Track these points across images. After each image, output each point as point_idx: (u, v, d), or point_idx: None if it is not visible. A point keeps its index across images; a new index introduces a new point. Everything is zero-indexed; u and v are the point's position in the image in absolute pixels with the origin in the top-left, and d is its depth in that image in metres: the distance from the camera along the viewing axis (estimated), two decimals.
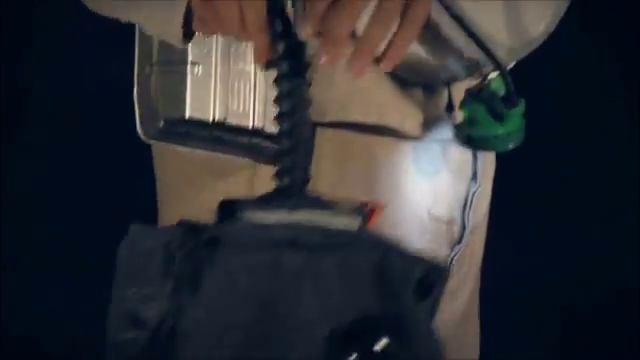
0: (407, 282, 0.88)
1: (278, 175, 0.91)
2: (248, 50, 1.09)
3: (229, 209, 0.89)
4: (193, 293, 0.85)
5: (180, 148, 1.14)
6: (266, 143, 1.10)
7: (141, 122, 1.12)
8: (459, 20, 0.98)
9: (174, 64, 1.14)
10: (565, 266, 1.93)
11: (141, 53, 1.11)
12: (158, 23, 1.01)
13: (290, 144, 0.91)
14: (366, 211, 0.91)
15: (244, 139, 1.12)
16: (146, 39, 1.11)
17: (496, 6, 1.04)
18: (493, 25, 1.03)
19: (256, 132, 1.11)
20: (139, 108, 1.12)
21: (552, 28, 1.06)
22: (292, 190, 0.91)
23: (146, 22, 1.04)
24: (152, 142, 1.15)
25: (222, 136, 1.13)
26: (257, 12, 0.90)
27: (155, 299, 0.85)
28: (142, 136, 1.13)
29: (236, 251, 0.86)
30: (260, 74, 1.09)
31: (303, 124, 0.91)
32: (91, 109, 2.00)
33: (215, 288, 0.85)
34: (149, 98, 1.13)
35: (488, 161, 1.19)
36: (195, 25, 0.96)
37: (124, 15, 1.04)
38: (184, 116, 1.15)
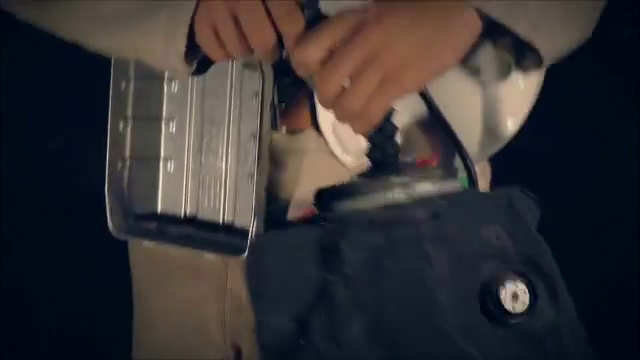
0: (534, 220, 0.92)
1: (370, 154, 0.94)
2: (220, 145, 1.10)
3: (330, 194, 0.92)
4: (344, 282, 0.87)
5: (151, 244, 1.13)
6: (236, 239, 1.09)
7: (112, 217, 1.11)
8: (437, 115, 0.99)
9: (146, 159, 1.13)
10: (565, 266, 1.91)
11: (113, 148, 1.11)
12: (156, 52, 0.98)
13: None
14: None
15: (215, 235, 1.11)
16: (118, 134, 1.11)
17: (474, 106, 1.05)
18: (470, 124, 1.04)
19: (227, 227, 1.11)
20: (110, 203, 1.11)
21: (519, 126, 1.07)
22: (388, 164, 0.94)
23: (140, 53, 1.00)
24: (123, 238, 1.14)
25: (193, 232, 1.13)
26: (253, 12, 0.90)
27: (310, 296, 0.87)
28: (113, 232, 1.12)
29: (370, 235, 0.88)
30: (231, 169, 1.09)
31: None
32: (66, 206, 1.99)
33: (362, 273, 0.87)
34: (121, 193, 1.12)
35: (485, 165, 1.19)
36: (206, 51, 0.95)
37: (111, 47, 1.02)
38: (155, 211, 1.14)
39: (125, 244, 1.23)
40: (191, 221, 1.13)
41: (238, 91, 1.08)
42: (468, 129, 1.04)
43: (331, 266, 0.88)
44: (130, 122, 1.12)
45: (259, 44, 0.92)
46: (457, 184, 0.95)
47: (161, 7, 0.95)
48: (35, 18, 1.03)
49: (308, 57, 0.89)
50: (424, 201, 0.91)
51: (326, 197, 0.93)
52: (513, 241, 0.90)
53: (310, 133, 1.09)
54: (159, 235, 1.13)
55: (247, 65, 1.05)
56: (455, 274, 0.89)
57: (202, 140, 1.11)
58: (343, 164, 1.08)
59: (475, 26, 0.91)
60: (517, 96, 1.07)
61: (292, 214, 1.09)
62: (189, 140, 1.12)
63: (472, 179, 1.00)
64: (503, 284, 0.89)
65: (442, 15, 0.90)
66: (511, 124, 1.08)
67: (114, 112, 1.10)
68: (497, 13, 0.91)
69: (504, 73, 1.05)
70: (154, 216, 1.14)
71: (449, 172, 0.95)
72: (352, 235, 0.88)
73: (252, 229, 1.04)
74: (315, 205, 0.95)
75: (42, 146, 2.00)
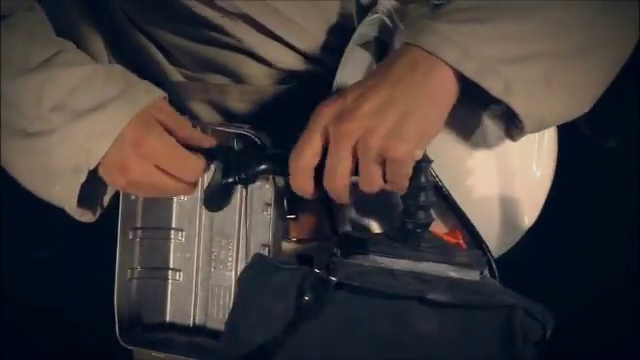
0: (528, 344, 0.93)
1: (401, 216, 0.96)
2: (229, 256, 1.11)
3: (350, 242, 0.96)
4: (311, 325, 0.91)
5: (159, 354, 1.12)
6: None
7: (120, 328, 1.11)
8: (458, 212, 1.02)
9: (155, 269, 1.14)
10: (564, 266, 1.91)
11: (122, 258, 1.11)
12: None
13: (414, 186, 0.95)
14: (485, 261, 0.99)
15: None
16: (127, 244, 1.12)
17: (492, 200, 1.07)
18: (488, 217, 1.06)
19: None
20: (119, 314, 1.11)
21: (536, 218, 1.10)
22: (414, 232, 0.95)
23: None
24: (131, 347, 1.13)
25: (202, 342, 1.13)
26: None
27: (276, 325, 0.92)
28: (122, 342, 1.12)
29: (364, 296, 0.91)
30: None
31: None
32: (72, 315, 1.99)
33: (334, 325, 0.91)
34: (129, 303, 1.12)
35: None
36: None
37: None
38: (164, 321, 1.14)
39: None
40: (200, 330, 1.13)
41: (249, 202, 1.09)
42: (486, 223, 1.06)
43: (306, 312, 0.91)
44: (140, 232, 1.12)
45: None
46: (476, 275, 0.97)
47: (56, 181, 1.02)
48: None
49: (301, 168, 0.94)
50: (421, 279, 0.93)
51: (351, 245, 0.96)
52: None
53: (320, 244, 1.10)
54: (167, 345, 1.13)
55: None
56: None
57: (211, 251, 1.12)
58: None
59: (452, 83, 0.95)
60: (534, 186, 1.09)
61: None
62: (198, 251, 1.13)
63: (493, 272, 1.02)
64: None
65: (416, 80, 0.94)
66: (528, 217, 1.10)
67: (124, 222, 1.11)
68: (470, 71, 0.94)
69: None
70: (162, 326, 1.14)
71: (474, 260, 0.97)
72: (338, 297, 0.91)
73: None
74: (337, 245, 0.97)
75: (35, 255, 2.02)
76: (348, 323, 0.91)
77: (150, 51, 1.12)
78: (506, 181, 1.08)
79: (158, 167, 1.00)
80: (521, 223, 1.09)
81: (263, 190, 1.07)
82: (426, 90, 0.94)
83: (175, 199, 1.13)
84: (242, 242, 1.10)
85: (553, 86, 0.97)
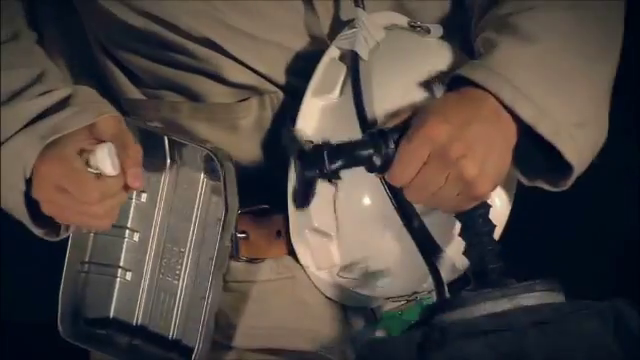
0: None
1: (472, 268, 0.97)
2: (178, 265, 1.11)
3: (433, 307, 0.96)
4: None
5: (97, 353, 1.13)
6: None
7: (62, 320, 1.12)
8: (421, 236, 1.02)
9: (105, 266, 1.14)
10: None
11: (73, 251, 1.12)
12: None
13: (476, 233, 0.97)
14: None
15: (162, 351, 1.12)
16: (80, 238, 1.12)
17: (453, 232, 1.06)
18: (451, 248, 1.06)
19: (174, 345, 1.11)
20: (62, 306, 1.12)
21: None
22: (491, 279, 0.96)
23: None
24: (72, 341, 1.13)
25: (141, 345, 1.14)
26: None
27: None
28: (62, 334, 1.12)
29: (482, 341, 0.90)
30: (186, 290, 1.10)
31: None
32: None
33: None
34: (75, 296, 1.13)
35: None
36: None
37: None
38: (107, 318, 1.15)
39: None
40: (141, 333, 1.14)
41: (204, 216, 1.09)
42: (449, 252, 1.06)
43: None
44: None
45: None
46: (561, 297, 0.97)
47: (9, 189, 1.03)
48: None
49: (406, 180, 0.95)
50: (529, 309, 0.93)
51: (428, 310, 0.96)
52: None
53: (270, 264, 1.11)
54: (107, 342, 1.14)
55: (215, 191, 1.08)
56: None
57: (162, 257, 1.12)
58: (318, 281, 1.11)
59: (515, 131, 0.96)
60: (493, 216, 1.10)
61: (242, 341, 1.11)
62: (149, 255, 1.13)
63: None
64: None
65: (492, 120, 0.95)
66: None
67: None
68: (547, 132, 0.96)
69: None
70: (104, 322, 1.15)
71: (550, 286, 0.97)
72: (448, 345, 0.90)
73: (196, 354, 1.05)
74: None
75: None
76: None
77: (110, 68, 1.14)
78: None
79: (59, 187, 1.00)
80: None
81: (218, 205, 1.07)
82: (503, 132, 0.96)
83: (133, 200, 1.13)
84: (192, 254, 1.10)
85: (597, 148, 1.01)
